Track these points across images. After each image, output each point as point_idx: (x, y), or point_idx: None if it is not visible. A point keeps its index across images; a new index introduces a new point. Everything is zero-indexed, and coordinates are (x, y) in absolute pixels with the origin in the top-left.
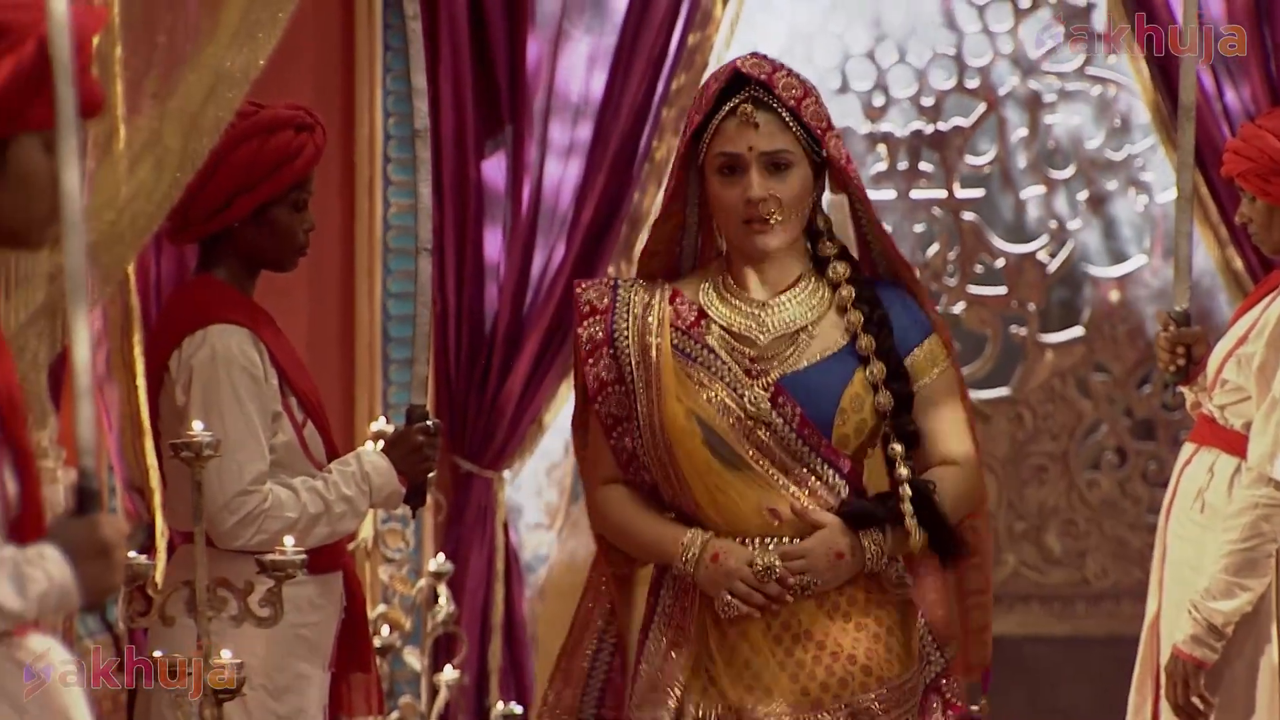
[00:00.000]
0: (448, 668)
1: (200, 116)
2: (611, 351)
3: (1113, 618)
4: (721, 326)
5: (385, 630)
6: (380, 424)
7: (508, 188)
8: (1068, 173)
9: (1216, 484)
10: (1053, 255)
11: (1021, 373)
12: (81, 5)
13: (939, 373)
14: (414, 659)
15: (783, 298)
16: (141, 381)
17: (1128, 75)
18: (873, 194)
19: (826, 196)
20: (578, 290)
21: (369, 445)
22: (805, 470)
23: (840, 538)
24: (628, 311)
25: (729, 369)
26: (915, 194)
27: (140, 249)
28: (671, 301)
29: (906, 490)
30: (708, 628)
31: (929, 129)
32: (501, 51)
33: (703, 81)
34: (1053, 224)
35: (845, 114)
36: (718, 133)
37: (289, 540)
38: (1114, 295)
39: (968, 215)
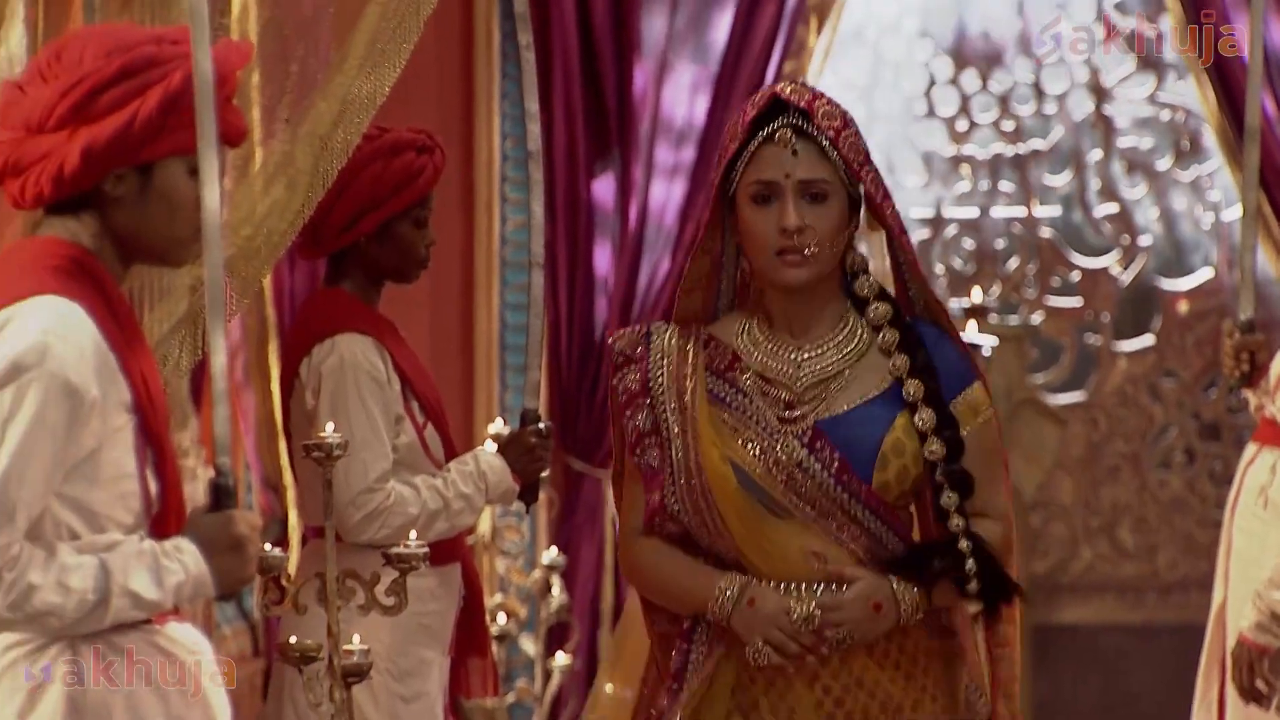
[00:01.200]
0: (560, 653)
1: (330, 139)
2: (648, 401)
3: (1182, 608)
4: (756, 371)
5: (502, 618)
6: (497, 426)
7: (616, 206)
8: (1139, 192)
9: (1279, 481)
10: (1125, 268)
11: (1096, 379)
12: (227, 41)
13: (981, 422)
14: (529, 645)
15: (820, 340)
16: (276, 386)
17: (1195, 101)
18: (956, 212)
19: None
20: (611, 341)
21: (486, 445)
22: (846, 518)
23: (879, 589)
24: (662, 359)
25: (763, 414)
26: (996, 212)
27: (274, 263)
28: (706, 346)
29: (965, 543)
30: (744, 676)
31: (1009, 151)
32: (610, 79)
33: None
34: (1125, 239)
35: (930, 137)
36: (753, 159)
37: (412, 534)
38: (1182, 306)
39: (1045, 232)
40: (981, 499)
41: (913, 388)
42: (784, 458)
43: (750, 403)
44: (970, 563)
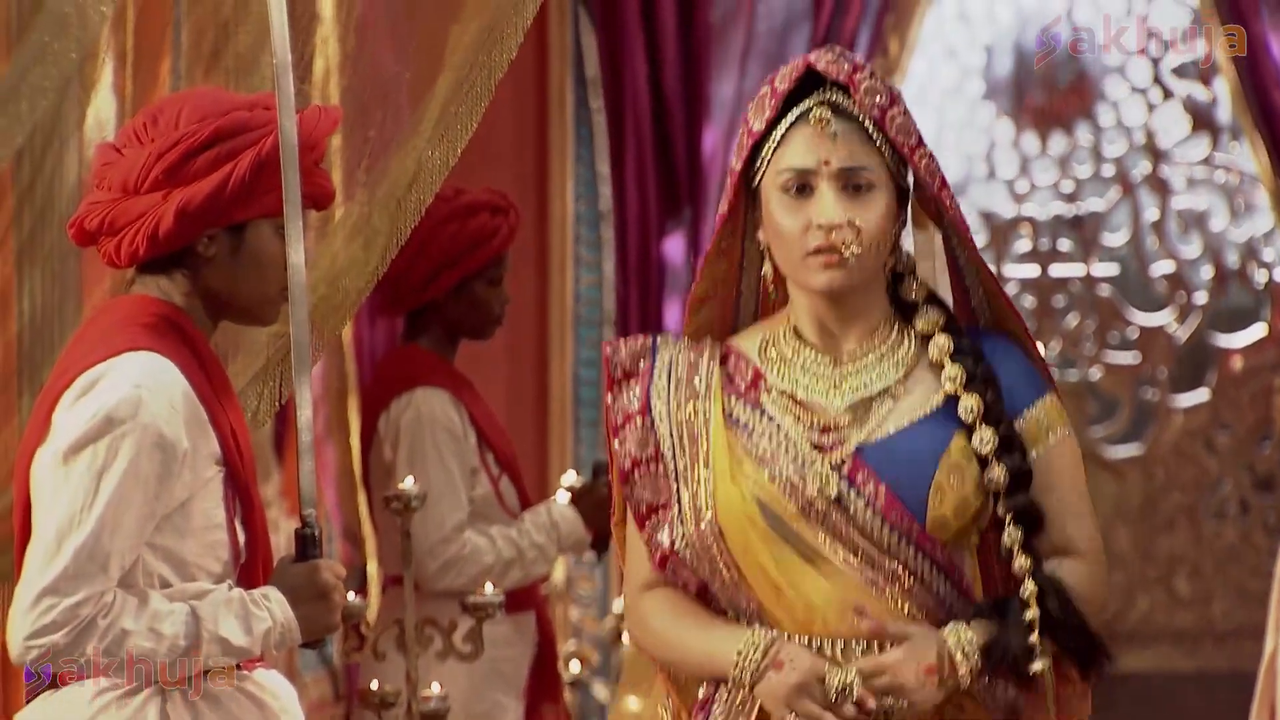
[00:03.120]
0: (631, 698)
1: (405, 201)
2: (648, 423)
3: (1236, 656)
4: (783, 390)
5: (575, 665)
6: (570, 478)
7: (686, 264)
8: (1194, 250)
9: None
10: (1181, 325)
11: (1153, 432)
12: (316, 107)
13: (1056, 441)
14: (601, 691)
15: (860, 353)
16: (356, 440)
17: (1249, 163)
18: (1017, 271)
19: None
20: (608, 351)
21: (559, 496)
22: (895, 563)
23: (931, 649)
24: (669, 375)
25: (793, 441)
26: (1055, 271)
27: (350, 319)
28: (723, 362)
29: (1029, 587)
30: None
31: (1069, 212)
32: (680, 140)
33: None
34: (1181, 297)
35: (992, 198)
36: (784, 143)
37: (488, 583)
38: (1236, 362)
39: (1103, 289)
40: (1061, 533)
41: (970, 403)
42: (819, 492)
43: (777, 428)
44: (1033, 616)
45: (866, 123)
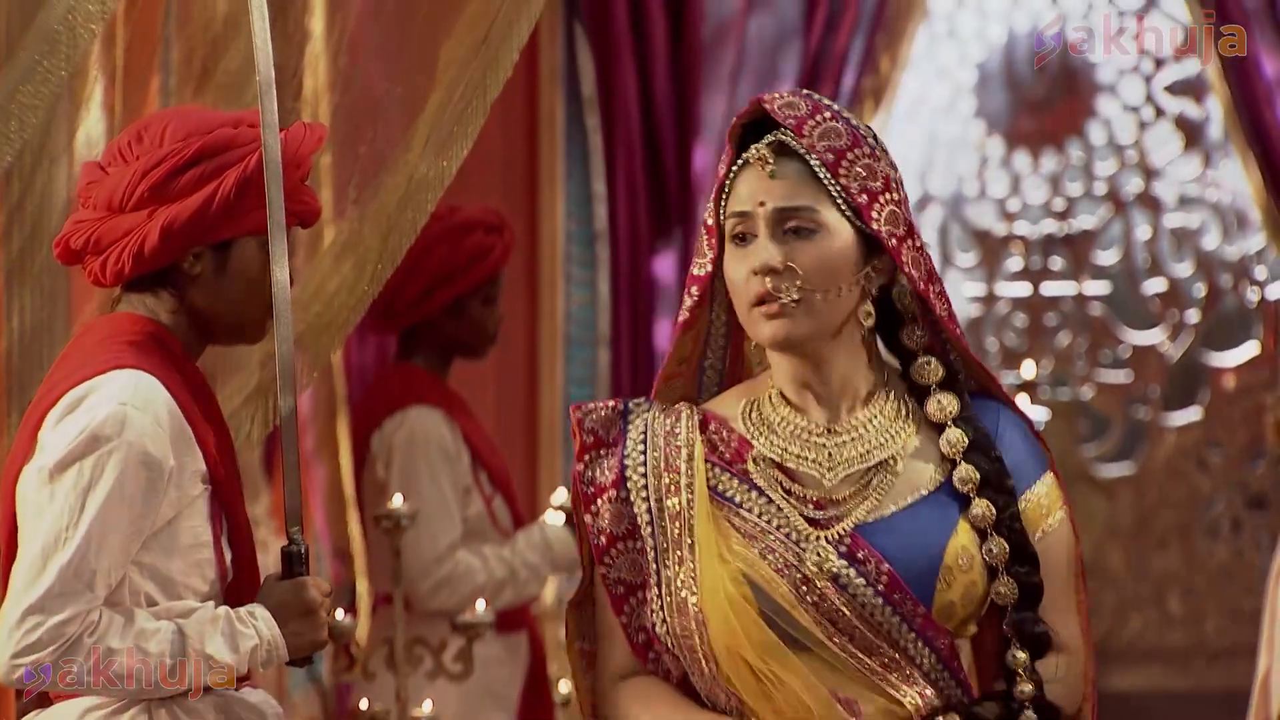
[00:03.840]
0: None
1: (397, 219)
2: (622, 495)
3: (1229, 675)
4: (772, 459)
5: (565, 685)
6: (560, 496)
7: (677, 283)
8: (1187, 269)
9: None
10: (1173, 343)
11: (1145, 451)
12: (301, 124)
13: (1055, 524)
14: None
15: (854, 418)
16: (345, 458)
17: (1241, 181)
18: (1008, 289)
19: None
20: (576, 416)
21: (550, 514)
22: (894, 651)
23: None
24: (644, 443)
25: (785, 517)
26: (1046, 289)
27: (344, 339)
28: (703, 430)
29: (1025, 687)
30: None
31: (1060, 230)
32: (671, 159)
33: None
34: (1173, 315)
35: (983, 217)
36: (732, 188)
37: (480, 603)
38: (1229, 380)
39: (1095, 308)
40: (1049, 621)
41: (965, 472)
42: (816, 571)
43: (767, 502)
44: None
45: (812, 160)
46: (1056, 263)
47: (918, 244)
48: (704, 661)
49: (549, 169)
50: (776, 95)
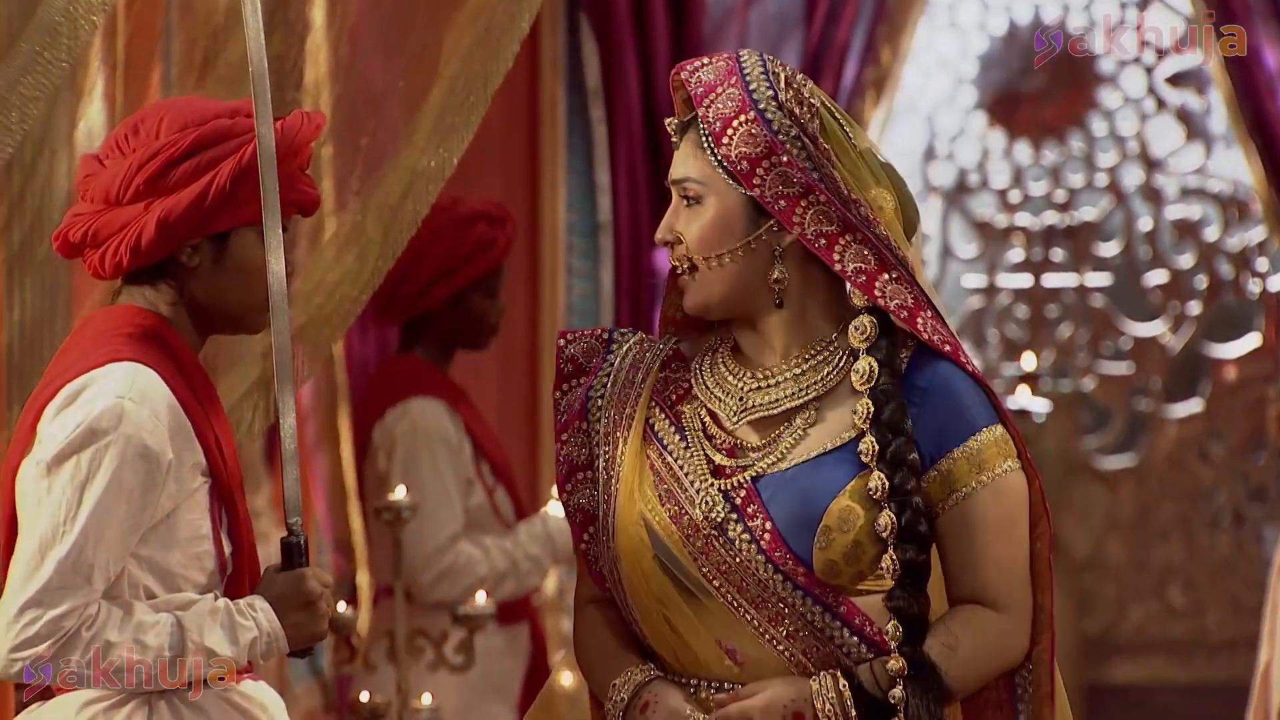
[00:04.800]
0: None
1: (399, 210)
2: (583, 426)
3: (1230, 667)
4: (703, 404)
5: (569, 676)
6: None
7: None
8: (1188, 260)
9: None
10: (1174, 335)
11: (1146, 442)
12: (299, 112)
13: (992, 479)
14: None
15: (775, 370)
16: (347, 450)
17: (1243, 172)
18: (1009, 281)
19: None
20: (560, 343)
21: (553, 505)
22: (780, 605)
23: (800, 692)
24: (610, 377)
25: (694, 463)
26: (1048, 281)
27: (345, 330)
28: (665, 366)
29: (894, 664)
30: None
31: (1062, 222)
32: (672, 150)
33: None
34: (1174, 307)
35: (984, 208)
36: None
37: (481, 594)
38: (1230, 372)
39: (1097, 300)
40: (974, 581)
41: (867, 445)
42: (702, 519)
43: (685, 446)
44: (897, 696)
45: (702, 130)
46: (1058, 254)
47: (821, 199)
48: (620, 599)
49: (550, 160)
50: (697, 63)
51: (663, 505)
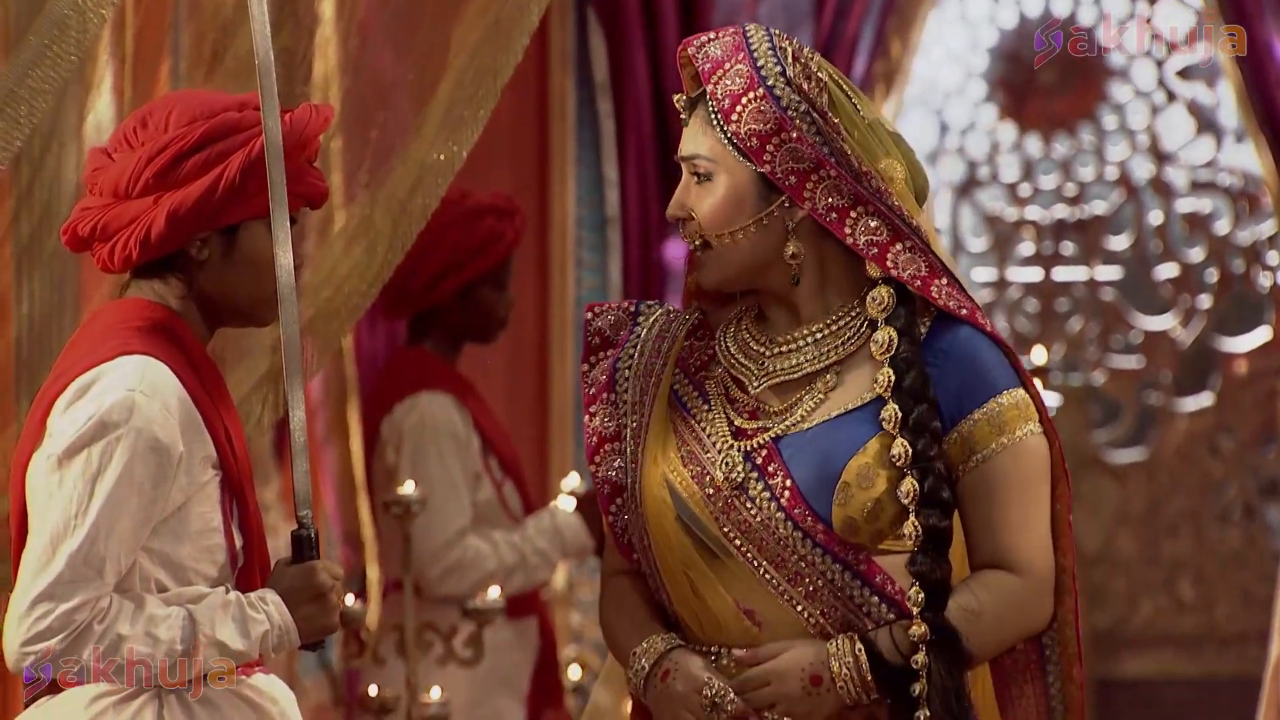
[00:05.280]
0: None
1: (408, 203)
2: (612, 397)
3: (1240, 660)
4: (725, 370)
5: (575, 670)
6: (572, 480)
7: (686, 267)
8: (1199, 254)
9: None
10: (1185, 329)
11: (1156, 436)
12: (308, 105)
13: (1008, 444)
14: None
15: (795, 337)
16: (356, 443)
17: (1254, 166)
18: (1019, 274)
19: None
20: (588, 316)
21: (562, 499)
22: (801, 564)
23: (818, 655)
24: (636, 348)
25: (716, 425)
26: (1058, 275)
27: (354, 323)
28: (690, 335)
29: (916, 629)
30: None
31: (1072, 215)
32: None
33: None
34: (1185, 300)
35: (994, 201)
36: None
37: (493, 589)
38: (1241, 365)
39: (1107, 293)
40: (995, 545)
41: (889, 412)
42: (723, 480)
43: (709, 411)
44: (921, 663)
45: (711, 108)
46: (1068, 248)
47: (831, 173)
48: (648, 566)
49: (560, 154)
50: (704, 38)
51: (685, 466)
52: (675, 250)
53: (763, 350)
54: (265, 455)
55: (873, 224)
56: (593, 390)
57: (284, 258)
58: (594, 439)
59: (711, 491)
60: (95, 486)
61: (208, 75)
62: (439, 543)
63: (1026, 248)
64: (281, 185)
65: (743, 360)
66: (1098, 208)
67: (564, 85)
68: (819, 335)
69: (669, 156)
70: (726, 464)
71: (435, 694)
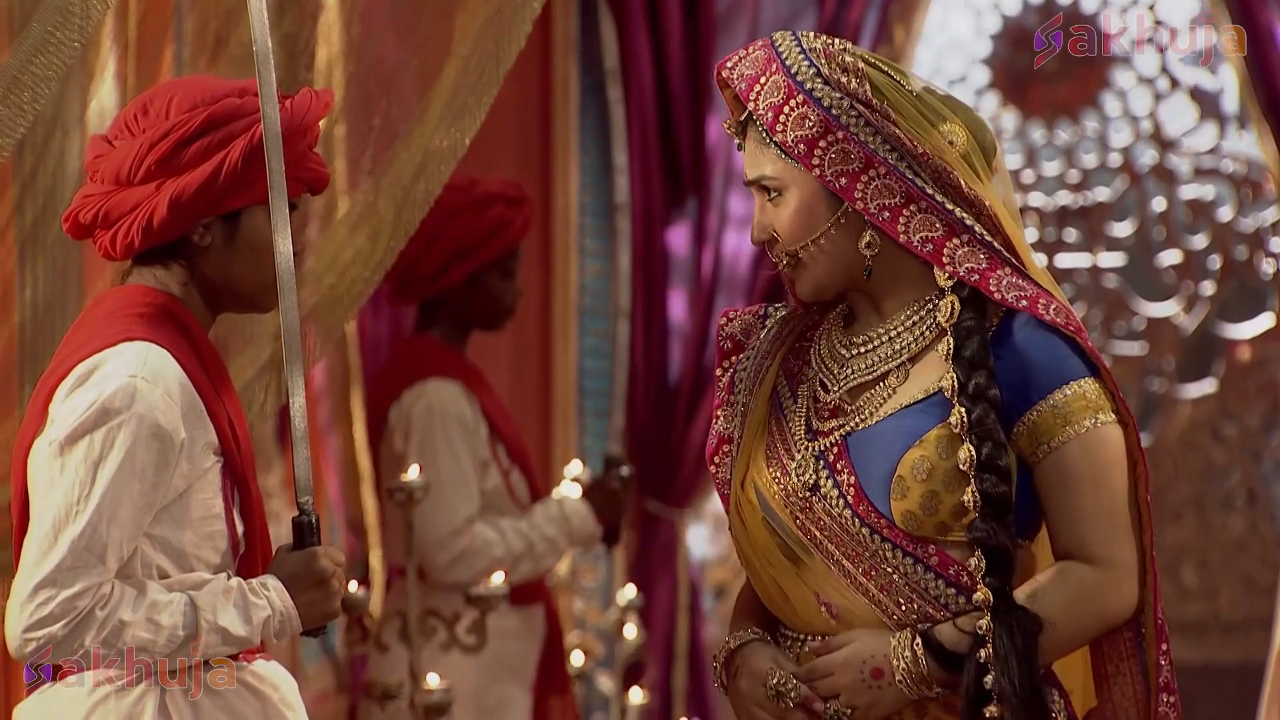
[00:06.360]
0: (636, 690)
1: (411, 190)
2: (732, 400)
3: (1244, 647)
4: (817, 372)
5: (579, 657)
6: (575, 468)
7: (690, 254)
8: (1201, 241)
9: None
10: (1188, 315)
11: (1159, 423)
12: (308, 90)
13: (1077, 434)
14: (606, 683)
15: (871, 337)
16: (360, 430)
17: (1257, 152)
18: None
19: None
20: (721, 322)
21: (567, 487)
22: (875, 559)
23: (879, 648)
24: (756, 350)
25: (797, 426)
26: (1061, 261)
27: (358, 310)
28: (800, 337)
29: (983, 624)
30: None
31: (1075, 202)
32: (685, 131)
33: None
34: (1188, 287)
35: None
36: None
37: (498, 575)
38: (1244, 352)
39: (1110, 280)
40: (1070, 536)
41: (949, 380)
42: (797, 481)
43: (796, 413)
44: (989, 654)
45: (759, 126)
46: (1071, 234)
47: (882, 171)
48: (743, 560)
49: (563, 141)
50: (734, 58)
51: (768, 468)
52: (677, 238)
53: (845, 352)
54: (268, 442)
55: (930, 220)
56: (721, 395)
57: (283, 244)
58: (714, 441)
59: (789, 492)
60: (97, 473)
61: (211, 62)
62: (447, 530)
63: (1030, 234)
64: (280, 172)
65: (829, 363)
66: (1100, 194)
67: (568, 72)
68: (894, 333)
69: (672, 143)
70: (800, 465)
71: (436, 681)
